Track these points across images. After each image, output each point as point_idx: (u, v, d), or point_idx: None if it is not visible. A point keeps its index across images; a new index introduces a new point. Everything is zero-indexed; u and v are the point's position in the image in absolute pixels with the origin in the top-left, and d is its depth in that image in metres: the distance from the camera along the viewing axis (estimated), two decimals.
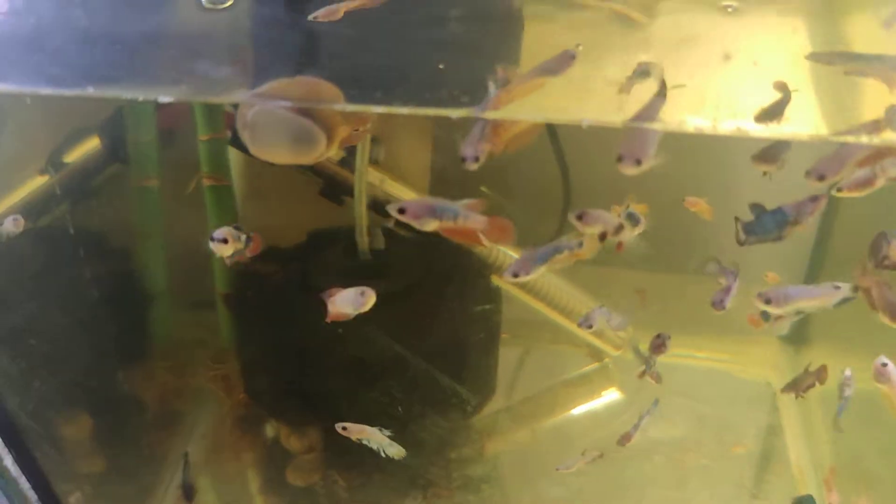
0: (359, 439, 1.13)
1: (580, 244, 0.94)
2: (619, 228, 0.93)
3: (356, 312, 0.98)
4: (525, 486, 1.40)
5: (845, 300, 0.96)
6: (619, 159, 0.75)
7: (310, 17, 0.76)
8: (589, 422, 1.52)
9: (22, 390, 1.26)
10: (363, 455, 1.41)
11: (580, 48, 0.82)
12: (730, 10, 0.95)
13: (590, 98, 0.87)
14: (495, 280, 1.45)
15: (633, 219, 1.01)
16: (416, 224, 0.79)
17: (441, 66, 0.80)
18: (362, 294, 1.00)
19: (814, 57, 0.87)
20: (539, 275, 0.94)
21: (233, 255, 0.95)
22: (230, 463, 1.44)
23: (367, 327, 1.30)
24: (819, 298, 0.96)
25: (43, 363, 1.29)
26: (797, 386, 1.23)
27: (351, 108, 0.75)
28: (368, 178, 1.33)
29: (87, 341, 1.37)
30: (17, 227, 1.12)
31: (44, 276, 1.30)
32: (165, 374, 1.46)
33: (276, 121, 0.71)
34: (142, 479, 1.40)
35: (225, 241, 0.92)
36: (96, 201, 1.40)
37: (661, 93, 0.77)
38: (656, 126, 0.76)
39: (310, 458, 1.43)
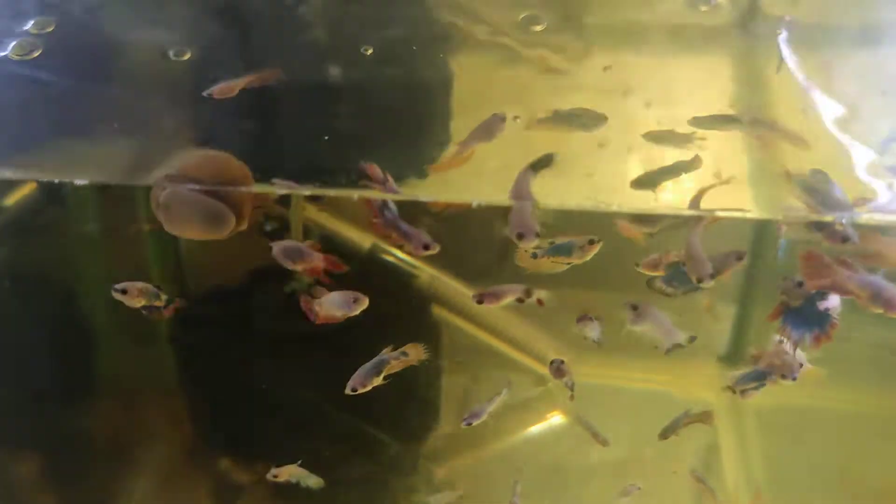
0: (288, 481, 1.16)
1: (405, 353, 1.08)
2: (528, 293, 0.99)
3: (345, 316, 1.02)
4: None
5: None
6: (520, 237, 0.79)
7: (204, 94, 0.79)
8: (534, 446, 1.54)
9: None
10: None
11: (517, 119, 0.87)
12: None
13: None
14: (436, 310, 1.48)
15: (561, 250, 1.05)
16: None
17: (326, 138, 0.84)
18: (355, 301, 1.02)
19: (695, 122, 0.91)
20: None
21: (149, 311, 0.97)
22: (182, 496, 1.46)
23: (311, 362, 1.34)
24: None
25: None
26: (674, 428, 1.26)
27: (258, 188, 0.78)
28: (309, 215, 1.36)
29: (31, 381, 1.39)
30: None
31: None
32: (113, 410, 1.48)
33: (188, 203, 0.73)
34: None
35: (124, 291, 0.96)
36: (35, 244, 1.41)
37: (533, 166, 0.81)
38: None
39: (260, 489, 1.45)
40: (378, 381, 1.09)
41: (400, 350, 1.09)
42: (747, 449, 1.50)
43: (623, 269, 1.58)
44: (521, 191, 0.80)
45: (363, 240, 1.47)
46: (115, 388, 1.50)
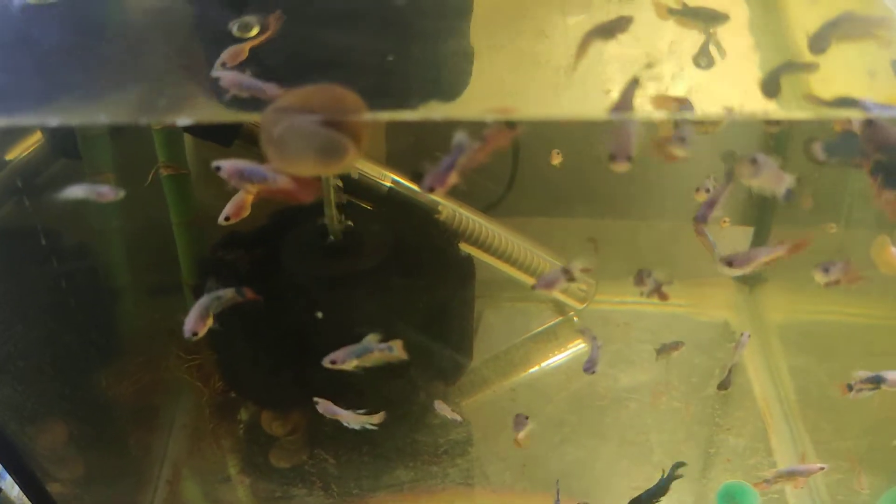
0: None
1: (390, 348, 1.08)
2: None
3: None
4: (509, 442, 1.43)
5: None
6: (612, 158, 0.77)
7: (213, 74, 0.76)
8: (561, 375, 1.56)
9: None
10: (348, 431, 1.44)
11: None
12: None
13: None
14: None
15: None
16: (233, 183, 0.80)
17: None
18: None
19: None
20: None
21: None
22: (212, 451, 1.43)
23: (343, 305, 1.31)
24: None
25: (5, 371, 1.25)
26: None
27: (379, 116, 0.74)
28: None
29: (52, 343, 1.33)
30: None
31: None
32: (138, 369, 1.43)
33: (306, 135, 0.70)
34: (129, 477, 1.38)
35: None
36: (46, 199, 1.34)
37: (634, 80, 0.78)
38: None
39: (293, 440, 1.43)
40: (354, 364, 1.10)
41: (387, 344, 1.10)
42: (773, 364, 1.54)
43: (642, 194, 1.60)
44: (624, 105, 0.77)
45: (383, 177, 1.44)
46: (140, 346, 1.46)
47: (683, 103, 0.80)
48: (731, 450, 1.41)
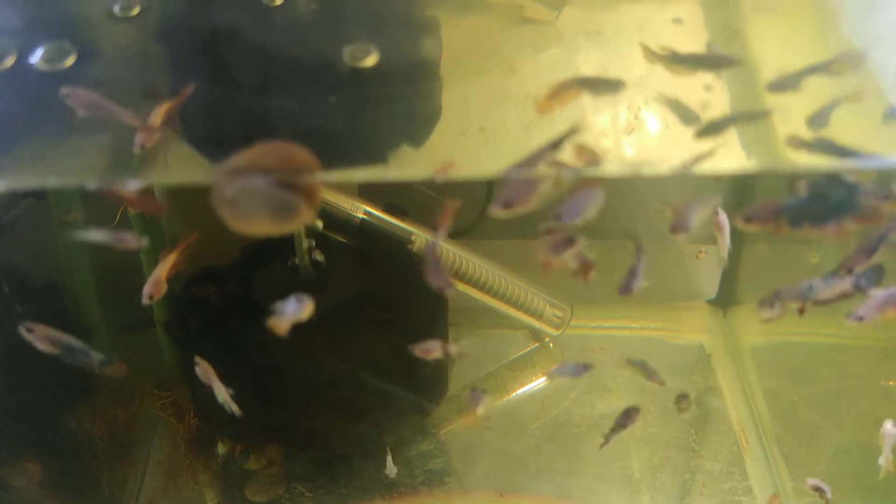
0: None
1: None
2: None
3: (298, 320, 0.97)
4: (486, 471, 1.44)
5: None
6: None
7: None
8: (537, 403, 1.56)
9: None
10: (325, 463, 1.43)
11: None
12: None
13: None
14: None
15: None
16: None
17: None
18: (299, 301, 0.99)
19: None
20: None
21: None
22: (188, 486, 1.43)
23: (317, 340, 1.31)
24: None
25: None
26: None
27: (330, 176, 0.74)
28: None
29: (24, 382, 1.32)
30: None
31: None
32: (112, 407, 1.42)
33: (258, 196, 0.70)
34: None
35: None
36: (11, 239, 1.34)
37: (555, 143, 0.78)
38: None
39: (270, 473, 1.43)
40: None
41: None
42: (749, 388, 1.55)
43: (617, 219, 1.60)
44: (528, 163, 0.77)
45: (355, 209, 1.44)
46: (112, 383, 1.45)
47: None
48: (706, 474, 1.42)
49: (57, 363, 1.36)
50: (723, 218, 1.18)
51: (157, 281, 1.04)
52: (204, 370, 1.16)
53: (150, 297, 1.04)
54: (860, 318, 0.93)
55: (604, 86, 0.88)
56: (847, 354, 1.44)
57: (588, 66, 0.96)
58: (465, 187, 1.55)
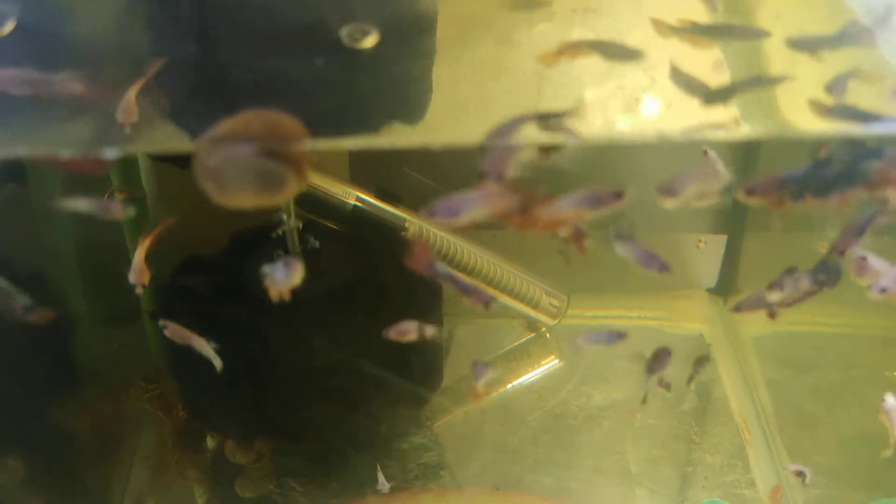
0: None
1: None
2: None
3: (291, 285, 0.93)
4: (482, 464, 1.40)
5: None
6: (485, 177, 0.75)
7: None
8: (534, 392, 1.53)
9: None
10: (317, 457, 1.40)
11: None
12: None
13: None
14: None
15: None
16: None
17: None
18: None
19: None
20: None
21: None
22: (176, 481, 1.39)
23: (307, 329, 1.28)
24: None
25: None
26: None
27: (318, 144, 0.71)
28: None
29: (6, 375, 1.29)
30: None
31: None
32: (98, 400, 1.39)
33: (243, 167, 0.66)
34: None
35: None
36: None
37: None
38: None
39: (259, 467, 1.39)
40: None
41: None
42: (750, 378, 1.52)
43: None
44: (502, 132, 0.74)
45: (347, 194, 1.41)
46: (98, 376, 1.41)
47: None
48: (708, 467, 1.38)
49: (41, 355, 1.34)
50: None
51: (138, 267, 1.01)
52: (175, 331, 1.12)
53: (142, 286, 1.02)
54: (883, 290, 0.89)
55: (619, 52, 0.85)
56: (849, 343, 1.42)
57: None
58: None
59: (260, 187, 0.68)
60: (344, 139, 0.78)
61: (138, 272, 1.02)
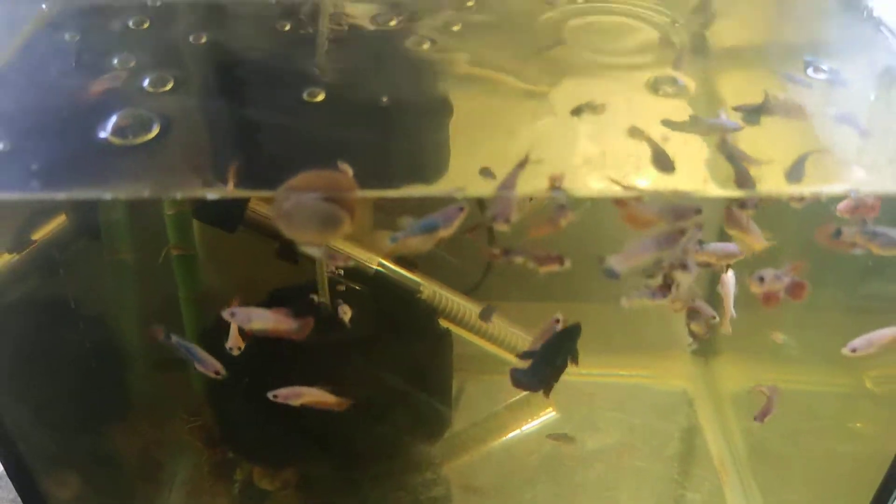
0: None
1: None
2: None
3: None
4: (486, 499, 1.56)
5: None
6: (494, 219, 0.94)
7: None
8: (532, 441, 1.69)
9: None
10: (338, 486, 1.56)
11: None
12: None
13: None
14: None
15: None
16: None
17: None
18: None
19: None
20: None
21: None
22: None
23: (332, 372, 1.45)
24: None
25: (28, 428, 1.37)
26: None
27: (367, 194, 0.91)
28: None
29: (69, 405, 1.46)
30: None
31: (21, 348, 1.38)
32: (145, 429, 1.56)
33: (309, 209, 0.86)
34: None
35: None
36: (66, 275, 1.49)
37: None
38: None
39: (285, 494, 1.55)
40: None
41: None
42: (727, 427, 1.68)
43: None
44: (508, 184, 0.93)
45: (370, 260, 1.60)
46: (146, 408, 1.59)
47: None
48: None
49: (100, 388, 1.51)
50: (729, 278, 1.24)
51: (235, 335, 1.24)
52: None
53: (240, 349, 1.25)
54: (854, 350, 1.06)
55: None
56: (815, 399, 1.58)
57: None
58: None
59: (321, 225, 0.88)
60: (385, 190, 0.97)
61: (234, 339, 1.25)
